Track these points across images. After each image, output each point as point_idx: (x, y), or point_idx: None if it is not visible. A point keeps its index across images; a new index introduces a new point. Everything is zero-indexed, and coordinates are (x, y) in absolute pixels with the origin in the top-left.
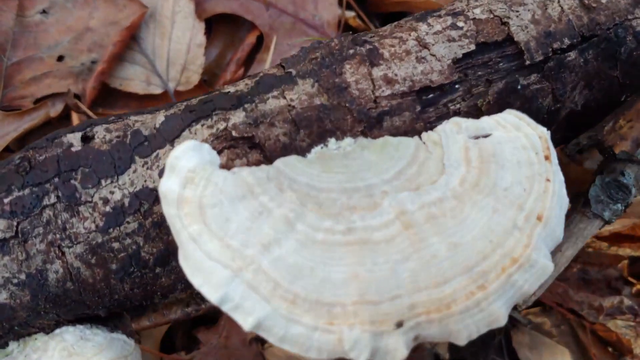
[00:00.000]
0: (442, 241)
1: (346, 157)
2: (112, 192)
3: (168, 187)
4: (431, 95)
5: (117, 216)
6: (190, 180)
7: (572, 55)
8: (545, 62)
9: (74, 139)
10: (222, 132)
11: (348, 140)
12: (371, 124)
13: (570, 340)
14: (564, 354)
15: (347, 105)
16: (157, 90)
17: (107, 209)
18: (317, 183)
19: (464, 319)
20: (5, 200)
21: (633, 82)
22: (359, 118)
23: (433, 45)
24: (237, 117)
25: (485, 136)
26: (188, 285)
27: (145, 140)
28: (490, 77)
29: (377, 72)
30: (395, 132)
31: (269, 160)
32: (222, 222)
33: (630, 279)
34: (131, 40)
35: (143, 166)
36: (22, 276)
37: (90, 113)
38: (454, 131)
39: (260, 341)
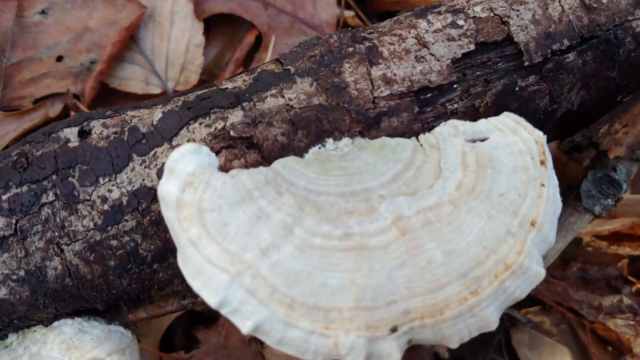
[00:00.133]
0: (437, 247)
1: (344, 158)
2: (110, 191)
3: (167, 190)
4: (429, 95)
5: (115, 214)
6: (189, 183)
7: (571, 56)
8: (544, 63)
9: (70, 134)
10: (220, 131)
11: (345, 140)
12: (369, 124)
13: (570, 339)
14: (563, 353)
15: (345, 105)
16: (156, 90)
17: (106, 207)
18: (315, 186)
19: (457, 323)
20: (4, 197)
21: (630, 82)
22: (357, 118)
23: (433, 44)
24: (236, 116)
25: (483, 139)
26: (185, 279)
27: (143, 138)
28: (489, 77)
29: (376, 72)
30: (393, 133)
31: (267, 160)
32: (221, 226)
33: (630, 278)
34: (130, 41)
35: (141, 164)
36: (22, 273)
37: None
38: (452, 134)
39: (259, 341)
